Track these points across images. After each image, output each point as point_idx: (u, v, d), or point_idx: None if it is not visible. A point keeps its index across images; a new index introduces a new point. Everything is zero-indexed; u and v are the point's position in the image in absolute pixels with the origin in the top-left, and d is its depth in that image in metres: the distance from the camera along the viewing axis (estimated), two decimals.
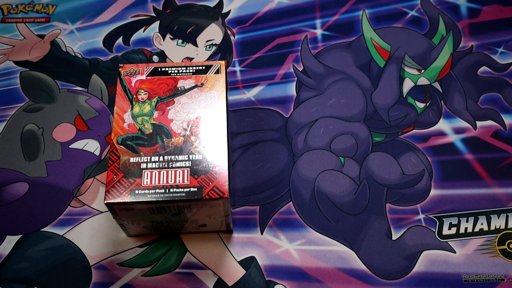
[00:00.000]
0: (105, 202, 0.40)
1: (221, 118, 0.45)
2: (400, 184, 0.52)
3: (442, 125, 0.56)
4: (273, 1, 0.67)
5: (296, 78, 0.60)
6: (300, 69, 0.61)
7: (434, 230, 0.50)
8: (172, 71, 0.47)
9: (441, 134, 0.56)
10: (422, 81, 0.60)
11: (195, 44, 0.63)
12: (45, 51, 0.62)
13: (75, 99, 0.58)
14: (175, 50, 0.62)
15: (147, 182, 0.41)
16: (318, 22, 0.65)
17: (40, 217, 0.50)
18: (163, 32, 0.64)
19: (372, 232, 0.50)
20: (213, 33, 0.64)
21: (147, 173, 0.41)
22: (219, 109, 0.45)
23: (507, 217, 0.50)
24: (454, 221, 0.50)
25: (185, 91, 0.46)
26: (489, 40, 0.63)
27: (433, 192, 0.52)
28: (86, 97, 0.58)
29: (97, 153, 0.54)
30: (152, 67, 0.48)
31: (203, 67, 0.48)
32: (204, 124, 0.44)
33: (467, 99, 0.58)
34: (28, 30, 0.64)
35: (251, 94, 0.59)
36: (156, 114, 0.45)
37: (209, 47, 0.63)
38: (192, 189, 0.40)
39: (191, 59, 0.62)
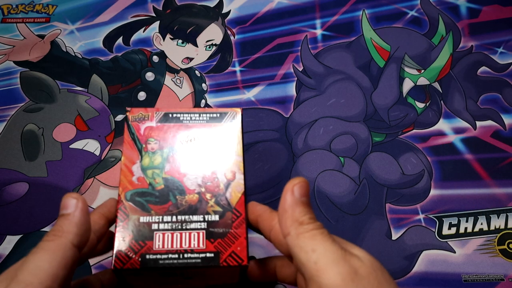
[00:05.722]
0: (113, 268, 0.36)
1: (238, 174, 0.41)
2: (400, 184, 0.52)
3: (442, 125, 0.57)
4: (273, 1, 0.67)
5: (296, 78, 0.60)
6: (300, 69, 0.61)
7: (434, 230, 0.50)
8: (184, 118, 0.43)
9: (441, 134, 0.56)
10: (422, 81, 0.60)
11: (195, 44, 0.63)
12: (45, 51, 0.62)
13: (75, 99, 0.58)
14: (175, 50, 0.62)
15: (159, 245, 0.37)
16: (318, 22, 0.65)
17: (40, 217, 0.50)
18: (163, 32, 0.64)
19: (372, 232, 0.50)
20: (213, 33, 0.64)
21: (159, 235, 0.37)
22: (235, 163, 0.41)
23: (506, 217, 0.50)
24: (454, 221, 0.50)
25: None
26: (488, 40, 0.63)
27: (433, 192, 0.52)
28: (86, 97, 0.58)
29: (97, 153, 0.54)
30: (163, 112, 0.43)
31: (218, 115, 0.44)
32: (220, 180, 0.40)
33: (466, 99, 0.58)
34: (28, 30, 0.64)
35: (251, 94, 0.59)
36: (168, 166, 0.41)
37: (209, 47, 0.63)
38: (208, 254, 0.37)
39: (191, 59, 0.62)
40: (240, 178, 0.40)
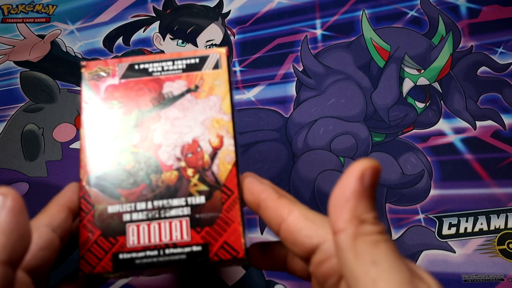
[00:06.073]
0: (81, 274, 0.30)
1: (227, 139, 0.32)
2: (400, 184, 0.52)
3: (442, 125, 0.57)
4: (273, 1, 0.67)
5: (296, 78, 0.60)
6: (300, 69, 0.61)
7: (433, 230, 0.50)
8: (155, 69, 0.34)
9: (441, 134, 0.56)
10: (422, 81, 0.60)
11: (195, 44, 0.63)
12: (45, 51, 0.62)
13: (75, 99, 0.58)
14: (175, 50, 0.62)
15: (133, 241, 0.30)
16: (318, 22, 0.65)
17: None
18: (163, 32, 0.64)
19: None
20: (213, 33, 0.64)
21: (133, 228, 0.30)
22: (222, 124, 0.33)
23: (506, 217, 0.50)
24: (454, 221, 0.50)
25: (173, 99, 0.33)
26: (488, 40, 0.63)
27: (433, 192, 0.52)
28: None
29: None
30: (127, 64, 0.34)
31: (196, 60, 0.34)
32: (204, 150, 0.32)
33: (466, 99, 0.59)
34: (28, 30, 0.64)
35: (251, 94, 0.59)
36: (137, 137, 0.32)
37: (209, 47, 0.63)
38: (194, 248, 0.30)
39: None
40: (229, 144, 0.32)
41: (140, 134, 0.32)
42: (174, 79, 0.34)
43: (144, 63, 0.34)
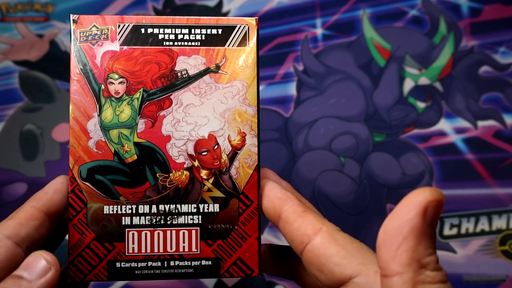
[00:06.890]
0: (70, 281, 0.27)
1: (250, 138, 0.27)
2: (401, 184, 0.52)
3: (443, 125, 0.56)
4: (273, 1, 0.67)
5: (296, 78, 0.60)
6: (300, 68, 0.61)
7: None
8: (167, 37, 0.27)
9: (442, 134, 0.56)
10: (423, 80, 0.59)
11: None
12: (44, 50, 0.62)
13: None
14: None
15: (133, 248, 0.26)
16: (318, 21, 0.65)
17: None
18: None
19: (373, 233, 0.49)
20: None
21: (133, 234, 0.26)
22: (245, 119, 0.27)
23: (508, 217, 0.50)
24: (455, 221, 0.50)
25: (188, 80, 0.27)
26: (490, 40, 0.63)
27: None
28: None
29: None
30: (131, 25, 0.27)
31: (219, 31, 0.27)
32: (222, 148, 0.27)
33: (468, 98, 0.58)
34: (27, 29, 0.64)
35: None
36: (142, 124, 0.27)
37: None
38: (204, 262, 0.27)
39: None
40: (252, 143, 0.27)
41: (145, 120, 0.27)
42: (191, 54, 0.27)
43: (153, 26, 0.27)
